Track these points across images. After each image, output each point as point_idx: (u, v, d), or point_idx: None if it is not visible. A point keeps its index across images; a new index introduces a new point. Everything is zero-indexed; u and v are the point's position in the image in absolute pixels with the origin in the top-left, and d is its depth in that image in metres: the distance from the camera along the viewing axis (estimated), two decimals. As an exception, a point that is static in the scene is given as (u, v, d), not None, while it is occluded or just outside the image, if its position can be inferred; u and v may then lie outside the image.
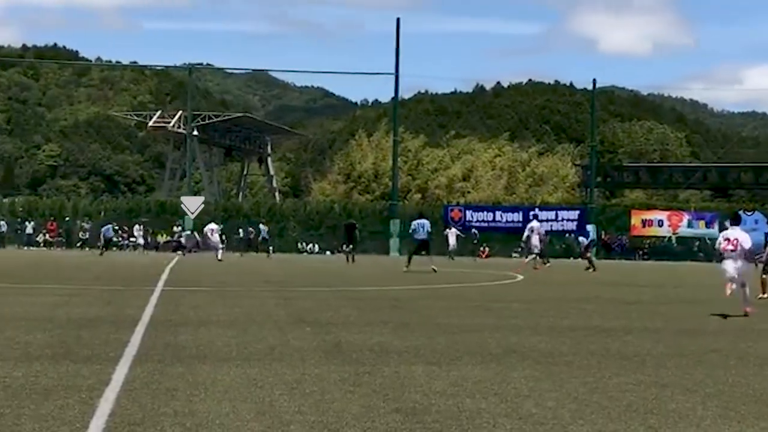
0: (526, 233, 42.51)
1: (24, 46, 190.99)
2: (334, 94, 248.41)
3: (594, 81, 74.20)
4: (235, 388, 7.80)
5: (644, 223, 69.48)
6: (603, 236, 69.44)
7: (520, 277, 31.40)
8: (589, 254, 42.21)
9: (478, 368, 9.22)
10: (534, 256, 40.59)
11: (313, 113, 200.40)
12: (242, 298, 18.35)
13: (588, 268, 38.38)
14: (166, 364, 8.99)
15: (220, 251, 44.75)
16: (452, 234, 54.95)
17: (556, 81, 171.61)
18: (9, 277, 24.93)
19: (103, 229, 55.07)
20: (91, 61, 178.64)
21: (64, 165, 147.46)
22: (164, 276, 26.51)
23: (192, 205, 70.29)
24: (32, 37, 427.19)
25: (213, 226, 47.54)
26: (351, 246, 45.16)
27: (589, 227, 41.47)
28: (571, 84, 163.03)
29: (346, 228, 47.23)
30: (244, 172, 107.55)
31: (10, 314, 13.72)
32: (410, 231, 35.53)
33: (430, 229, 34.79)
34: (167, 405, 6.98)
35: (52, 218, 71.40)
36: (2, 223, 70.65)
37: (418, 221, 34.22)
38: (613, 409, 7.24)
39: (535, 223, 44.55)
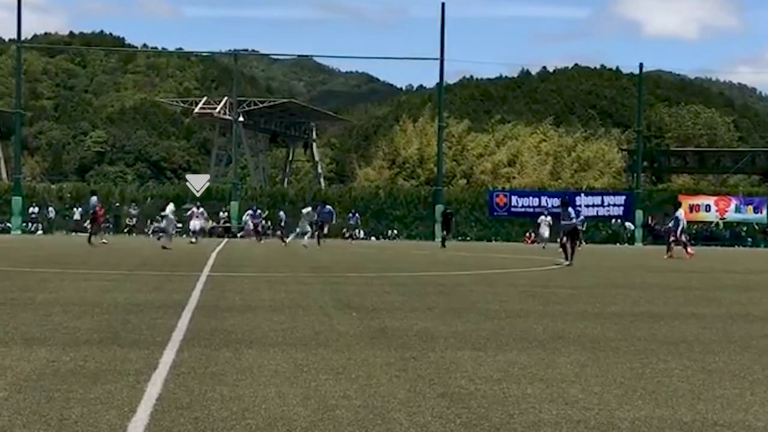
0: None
1: (71, 33, 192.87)
2: (378, 80, 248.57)
3: (641, 65, 73.60)
4: (281, 372, 7.84)
5: (691, 208, 68.83)
6: (649, 222, 68.94)
7: (566, 262, 31.22)
8: (682, 239, 38.68)
9: (523, 354, 9.19)
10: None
11: (357, 99, 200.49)
12: (288, 283, 18.42)
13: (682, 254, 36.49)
14: (213, 349, 9.05)
15: (171, 236, 41.70)
16: (545, 222, 52.00)
17: (602, 65, 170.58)
18: (57, 262, 25.21)
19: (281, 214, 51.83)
20: (137, 47, 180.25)
21: (110, 151, 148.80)
22: (210, 261, 26.68)
23: (197, 183, 70.67)
24: (79, 24, 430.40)
25: (172, 207, 45.53)
26: (446, 232, 48.89)
27: (679, 213, 38.99)
28: (617, 68, 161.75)
29: (444, 215, 50.10)
30: (290, 158, 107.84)
31: (58, 299, 13.88)
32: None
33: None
34: (214, 389, 7.03)
35: (99, 204, 72.02)
36: (51, 209, 71.47)
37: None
38: (659, 395, 7.19)
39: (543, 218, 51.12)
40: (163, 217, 46.65)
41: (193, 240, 45.16)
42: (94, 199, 41.91)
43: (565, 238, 28.82)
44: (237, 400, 6.69)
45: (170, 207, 43.24)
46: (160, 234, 47.95)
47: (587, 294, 17.15)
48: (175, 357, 8.48)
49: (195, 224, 46.19)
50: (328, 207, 46.61)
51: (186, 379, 7.43)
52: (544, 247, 47.28)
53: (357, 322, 11.60)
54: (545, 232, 51.16)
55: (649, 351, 9.58)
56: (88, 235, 40.08)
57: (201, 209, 47.84)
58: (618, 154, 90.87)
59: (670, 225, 39.70)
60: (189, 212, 48.26)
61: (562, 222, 29.44)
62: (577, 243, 29.99)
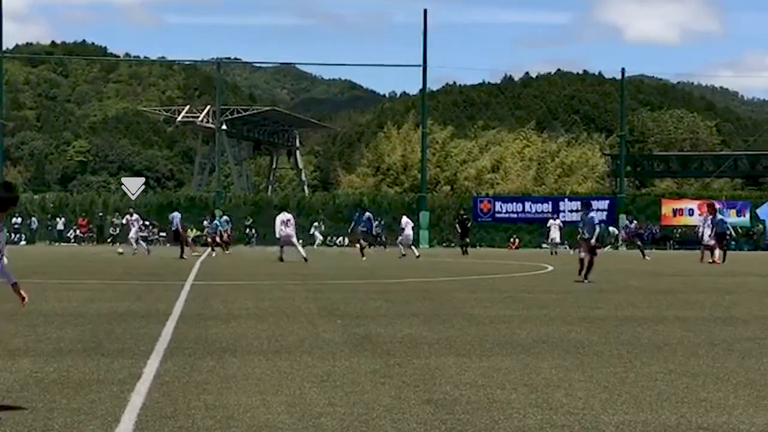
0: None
1: (53, 42, 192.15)
2: (361, 87, 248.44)
3: (623, 70, 73.75)
4: (265, 380, 7.83)
5: (675, 212, 69.04)
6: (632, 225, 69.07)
7: (550, 267, 31.31)
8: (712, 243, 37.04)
9: (508, 359, 9.20)
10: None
11: (340, 106, 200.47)
12: (272, 291, 18.40)
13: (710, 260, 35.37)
14: (197, 358, 9.03)
15: (134, 244, 42.07)
16: (555, 226, 50.60)
17: (584, 71, 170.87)
18: (41, 272, 25.12)
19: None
20: (119, 56, 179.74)
21: (93, 161, 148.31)
22: (194, 270, 26.62)
23: (132, 186, 70.33)
24: (61, 33, 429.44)
25: (136, 216, 44.60)
26: (467, 239, 47.15)
27: (723, 217, 37.77)
28: (599, 73, 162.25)
29: (460, 222, 48.09)
30: (273, 166, 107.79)
31: (42, 310, 13.83)
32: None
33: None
34: (198, 398, 7.02)
35: (82, 214, 71.80)
36: (33, 219, 71.19)
37: None
38: (644, 399, 7.22)
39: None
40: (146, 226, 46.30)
41: (135, 250, 41.83)
42: (176, 215, 40.98)
43: (583, 252, 22.64)
44: (221, 408, 6.68)
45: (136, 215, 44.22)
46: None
47: (571, 298, 17.18)
48: (159, 366, 8.46)
49: (133, 234, 43.35)
50: (368, 213, 43.10)
51: (170, 388, 7.41)
52: (554, 253, 46.77)
53: (342, 330, 11.60)
54: (556, 236, 50.12)
55: (633, 355, 9.61)
56: (180, 251, 37.82)
57: (135, 216, 45.15)
58: (601, 159, 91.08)
59: (709, 229, 37.23)
60: (125, 220, 46.15)
61: (582, 228, 23.32)
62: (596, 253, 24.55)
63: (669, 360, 9.30)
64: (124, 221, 45.25)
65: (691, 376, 8.30)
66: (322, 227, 66.97)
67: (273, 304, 15.21)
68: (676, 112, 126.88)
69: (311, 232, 65.54)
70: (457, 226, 48.46)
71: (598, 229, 22.81)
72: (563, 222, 51.41)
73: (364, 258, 36.18)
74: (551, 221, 51.98)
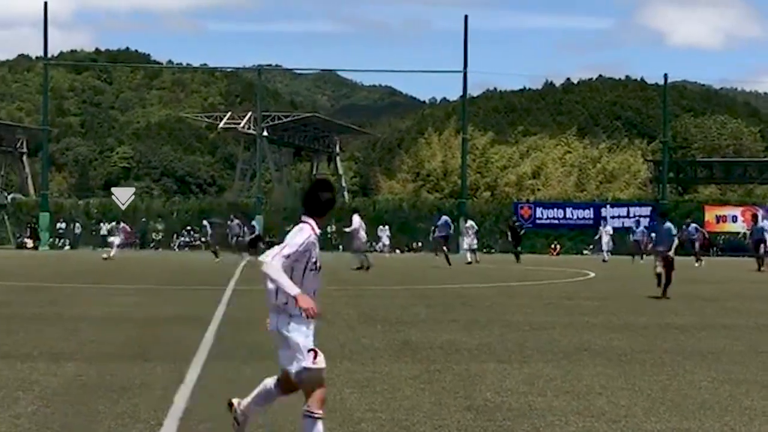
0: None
1: (97, 50, 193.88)
2: (402, 93, 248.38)
3: (665, 76, 73.21)
4: (306, 385, 7.83)
5: (718, 219, 68.32)
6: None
7: (592, 274, 31.13)
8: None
9: (549, 366, 9.16)
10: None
11: (381, 112, 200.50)
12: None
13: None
14: (239, 363, 9.07)
15: (113, 250, 42.76)
16: (606, 232, 49.40)
17: (626, 76, 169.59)
18: (85, 277, 25.34)
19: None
20: (162, 63, 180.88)
21: (136, 167, 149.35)
22: (236, 276, 26.73)
23: (123, 196, 70.51)
24: (105, 41, 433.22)
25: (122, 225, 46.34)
26: (519, 247, 45.13)
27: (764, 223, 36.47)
28: (641, 79, 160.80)
29: (511, 229, 46.75)
30: (313, 172, 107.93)
31: (85, 314, 13.95)
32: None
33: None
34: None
35: (126, 219, 72.36)
36: (77, 224, 71.83)
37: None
38: (687, 407, 7.16)
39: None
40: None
41: (111, 255, 41.77)
42: (257, 220, 40.93)
43: (660, 265, 19.99)
44: (263, 413, 6.70)
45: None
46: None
47: (613, 305, 17.07)
48: (201, 371, 8.51)
49: (115, 240, 44.39)
50: (445, 217, 40.43)
51: (212, 392, 7.45)
52: (605, 261, 45.20)
53: (381, 335, 11.60)
54: (608, 243, 48.28)
55: (676, 363, 9.53)
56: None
57: (122, 225, 46.48)
58: (643, 165, 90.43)
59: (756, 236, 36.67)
60: (111, 228, 46.80)
61: (655, 239, 21.30)
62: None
63: (712, 368, 9.21)
64: (111, 228, 45.44)
65: (734, 384, 8.22)
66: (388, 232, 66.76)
67: (314, 310, 15.22)
68: (720, 118, 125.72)
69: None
70: (508, 233, 46.89)
71: (676, 241, 20.81)
72: (613, 228, 49.95)
73: (450, 264, 34.26)
74: (602, 228, 50.93)
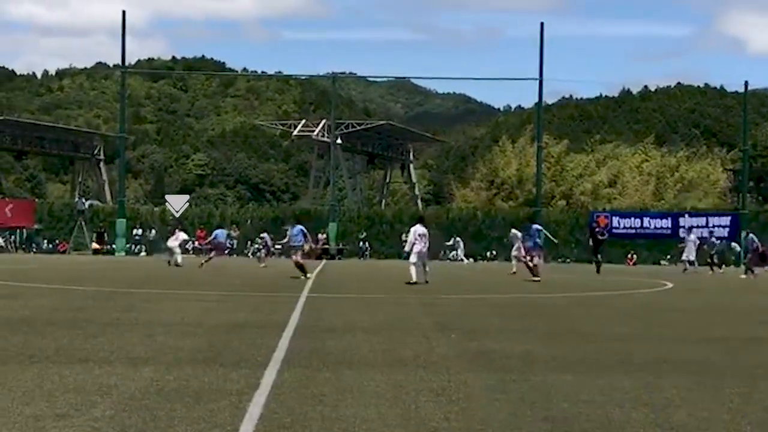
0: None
1: (173, 58, 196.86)
2: (476, 101, 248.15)
3: (746, 83, 72.12)
4: (381, 393, 7.82)
5: (800, 229, 66.99)
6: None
7: (670, 285, 30.71)
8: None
9: (626, 377, 9.02)
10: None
11: (455, 120, 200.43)
12: (386, 304, 18.43)
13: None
14: (314, 369, 9.08)
15: (177, 256, 43.01)
16: (692, 241, 46.24)
17: (705, 84, 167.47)
18: (159, 283, 25.66)
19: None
20: (237, 71, 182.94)
21: (211, 174, 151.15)
22: (309, 283, 26.85)
23: (177, 203, 70.80)
24: (180, 49, 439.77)
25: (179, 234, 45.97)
26: (599, 255, 42.68)
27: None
28: (721, 87, 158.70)
29: (592, 235, 44.33)
30: (387, 180, 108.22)
31: (161, 320, 14.10)
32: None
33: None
34: (315, 409, 7.05)
35: (201, 226, 73.19)
36: (153, 231, 72.87)
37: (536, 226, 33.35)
38: (769, 421, 6.99)
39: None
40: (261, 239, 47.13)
41: (171, 262, 43.03)
42: (297, 228, 40.31)
43: None
44: (338, 420, 6.69)
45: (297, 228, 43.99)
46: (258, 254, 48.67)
47: (692, 317, 16.80)
48: (276, 377, 8.53)
49: (173, 244, 44.69)
50: (536, 226, 36.15)
51: (287, 399, 7.46)
52: (685, 270, 43.67)
53: (456, 344, 11.54)
54: (692, 253, 45.35)
55: (758, 376, 9.33)
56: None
57: (178, 235, 46.61)
58: (723, 174, 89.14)
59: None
60: (174, 235, 46.90)
61: None
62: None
63: (795, 381, 9.00)
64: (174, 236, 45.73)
65: (819, 399, 8.01)
66: (462, 244, 66.80)
67: (387, 318, 15.23)
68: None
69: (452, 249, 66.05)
70: (589, 240, 44.39)
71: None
72: (698, 238, 48.03)
73: (538, 278, 30.74)
74: (686, 236, 48.93)
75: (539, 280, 29.99)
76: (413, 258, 25.96)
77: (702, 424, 6.83)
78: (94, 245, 70.08)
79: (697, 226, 63.47)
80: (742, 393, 8.22)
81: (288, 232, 31.65)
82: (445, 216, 76.03)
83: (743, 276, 39.09)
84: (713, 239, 46.01)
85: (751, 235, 44.38)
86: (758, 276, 38.87)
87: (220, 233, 43.59)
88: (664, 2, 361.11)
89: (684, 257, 45.60)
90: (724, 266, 45.05)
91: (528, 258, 32.93)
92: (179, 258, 42.72)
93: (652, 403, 7.63)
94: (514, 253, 38.19)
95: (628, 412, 7.22)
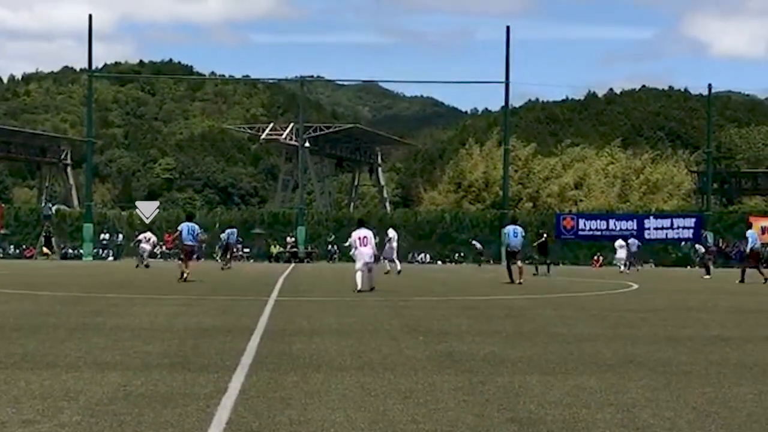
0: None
1: (140, 62, 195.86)
2: (443, 104, 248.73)
3: (709, 86, 72.74)
4: (349, 396, 7.84)
5: (763, 230, 67.64)
6: (720, 244, 67.96)
7: (635, 285, 30.92)
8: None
9: (593, 378, 9.09)
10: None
11: (422, 123, 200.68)
12: (355, 307, 18.45)
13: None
14: (281, 373, 9.09)
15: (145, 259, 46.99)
16: (621, 246, 51.32)
17: (669, 86, 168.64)
18: (127, 288, 25.55)
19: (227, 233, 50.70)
20: (205, 75, 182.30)
21: (179, 178, 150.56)
22: (278, 286, 26.82)
23: (147, 209, 70.87)
24: (148, 53, 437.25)
25: (148, 234, 50.43)
26: (545, 258, 42.61)
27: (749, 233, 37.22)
28: (685, 89, 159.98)
29: (540, 240, 43.34)
30: (355, 183, 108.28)
31: (129, 324, 14.06)
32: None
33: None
34: (283, 413, 7.06)
35: (169, 230, 72.84)
36: (120, 235, 72.48)
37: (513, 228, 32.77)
38: (733, 420, 7.07)
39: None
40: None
41: (145, 264, 46.51)
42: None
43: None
44: (305, 424, 6.71)
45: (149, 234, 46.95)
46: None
47: (657, 317, 16.93)
48: (244, 381, 8.53)
49: (144, 248, 48.16)
50: (511, 227, 33.80)
51: (255, 403, 7.47)
52: (621, 272, 46.93)
53: (424, 346, 11.58)
54: (627, 256, 50.64)
55: (722, 375, 9.43)
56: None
57: (148, 235, 50.76)
58: (687, 176, 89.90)
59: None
60: (138, 240, 50.31)
61: None
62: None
63: (759, 381, 9.10)
64: (142, 239, 48.66)
65: (782, 398, 8.11)
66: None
67: (356, 321, 15.25)
68: (765, 129, 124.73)
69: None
70: (536, 244, 43.60)
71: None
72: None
73: (521, 281, 30.14)
74: (621, 241, 52.11)
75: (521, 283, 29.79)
76: (358, 264, 24.81)
77: (667, 424, 6.90)
78: (44, 249, 69.67)
79: (662, 228, 64.05)
80: (707, 393, 8.30)
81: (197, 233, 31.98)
82: (414, 218, 76.14)
83: (706, 276, 39.65)
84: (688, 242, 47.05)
85: (706, 234, 45.46)
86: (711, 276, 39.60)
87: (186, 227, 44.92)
88: (629, 6, 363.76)
89: (620, 258, 50.28)
90: (689, 267, 45.76)
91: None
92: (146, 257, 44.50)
93: (618, 403, 7.70)
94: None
95: (594, 413, 7.28)
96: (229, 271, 40.94)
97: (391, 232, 41.22)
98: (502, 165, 73.08)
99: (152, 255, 69.92)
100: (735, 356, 11.09)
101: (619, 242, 52.28)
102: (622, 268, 49.00)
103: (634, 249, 53.38)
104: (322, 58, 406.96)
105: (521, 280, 30.02)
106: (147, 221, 67.45)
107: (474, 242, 65.42)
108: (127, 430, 6.44)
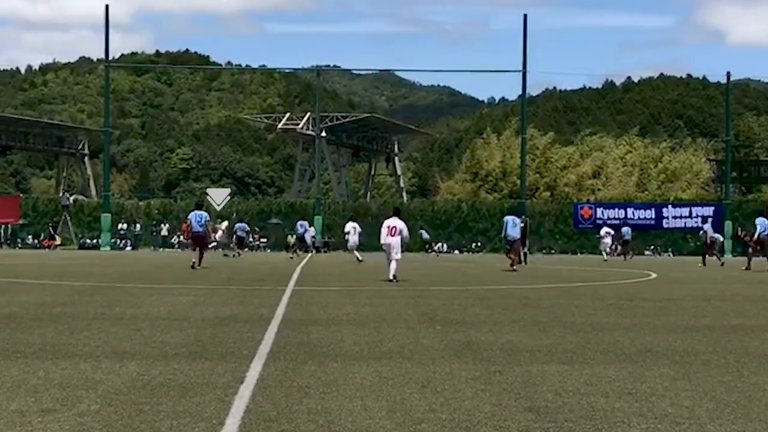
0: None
1: (157, 52, 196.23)
2: (460, 93, 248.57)
3: (728, 74, 72.31)
4: (366, 385, 7.84)
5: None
6: (739, 233, 67.66)
7: (654, 275, 30.83)
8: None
9: (611, 367, 9.07)
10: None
11: (439, 112, 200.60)
12: (371, 296, 18.45)
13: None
14: (299, 362, 9.10)
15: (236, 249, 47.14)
16: (608, 234, 54.27)
17: (688, 75, 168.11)
18: (145, 278, 25.61)
19: (236, 227, 53.32)
20: (221, 65, 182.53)
21: (196, 168, 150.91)
22: (295, 276, 26.85)
23: (218, 197, 70.66)
24: (165, 43, 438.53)
25: (242, 224, 50.80)
26: (526, 248, 41.26)
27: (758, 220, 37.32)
28: (703, 77, 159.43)
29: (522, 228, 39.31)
30: (372, 173, 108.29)
31: (147, 314, 14.10)
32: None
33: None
34: (300, 402, 7.06)
35: (186, 220, 73.01)
36: (138, 225, 72.69)
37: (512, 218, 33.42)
38: (752, 409, 7.04)
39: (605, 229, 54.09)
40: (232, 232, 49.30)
41: (228, 254, 47.07)
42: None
43: None
44: (323, 413, 6.71)
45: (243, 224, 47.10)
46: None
47: (676, 307, 16.88)
48: (262, 370, 8.54)
49: (221, 238, 48.35)
50: (509, 217, 34.90)
51: (273, 392, 7.48)
52: (605, 260, 48.25)
53: (441, 336, 11.57)
54: (607, 247, 53.23)
55: (741, 364, 9.39)
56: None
57: (224, 223, 51.46)
58: (706, 165, 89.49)
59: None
60: (222, 228, 50.51)
61: None
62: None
63: (778, 370, 9.06)
64: (238, 231, 49.16)
65: (801, 387, 8.07)
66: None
67: (373, 310, 15.25)
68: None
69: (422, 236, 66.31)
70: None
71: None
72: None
73: (515, 268, 31.85)
74: (605, 230, 54.73)
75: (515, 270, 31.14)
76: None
77: (686, 413, 6.88)
78: (49, 240, 69.83)
79: (680, 217, 63.85)
80: (725, 382, 8.27)
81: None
82: (430, 208, 76.10)
83: (699, 266, 39.87)
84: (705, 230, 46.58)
85: (706, 225, 45.64)
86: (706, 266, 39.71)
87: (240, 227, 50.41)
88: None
89: (606, 245, 52.86)
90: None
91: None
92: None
93: (636, 392, 7.68)
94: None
95: (612, 402, 7.26)
96: (245, 261, 41.01)
97: (349, 226, 41.89)
98: (519, 154, 72.88)
99: (169, 245, 70.31)
100: (754, 345, 11.04)
101: (605, 230, 54.35)
102: (605, 256, 50.72)
103: (627, 237, 55.21)
104: (338, 48, 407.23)
105: (516, 267, 32.06)
106: (218, 208, 67.47)
107: (422, 231, 66.00)
108: (145, 419, 6.45)
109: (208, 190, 77.49)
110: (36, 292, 19.13)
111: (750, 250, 37.12)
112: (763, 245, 35.68)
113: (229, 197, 72.31)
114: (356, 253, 39.67)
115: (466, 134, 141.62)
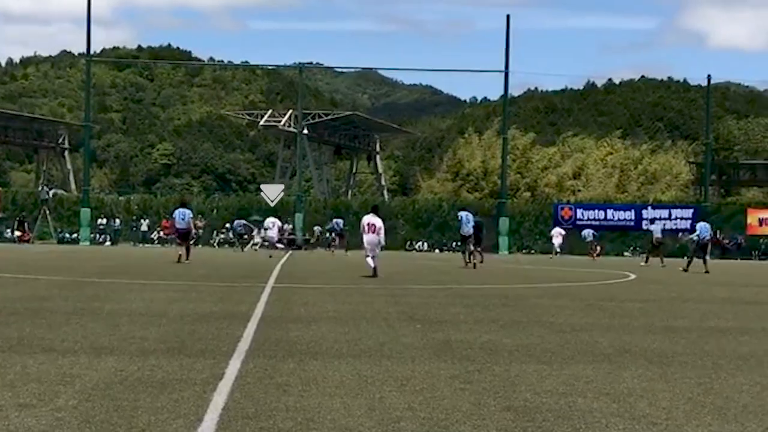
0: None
1: (139, 47, 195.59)
2: (442, 92, 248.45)
3: (708, 77, 72.56)
4: (345, 383, 7.85)
5: (761, 221, 67.77)
6: (717, 236, 67.98)
7: (633, 276, 30.95)
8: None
9: (589, 367, 9.11)
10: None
11: (421, 111, 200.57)
12: (352, 294, 18.45)
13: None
14: (278, 360, 9.10)
15: (277, 246, 46.00)
16: (558, 234, 57.46)
17: (669, 77, 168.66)
18: (124, 273, 25.53)
19: (235, 224, 53.56)
20: (203, 61, 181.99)
21: (177, 164, 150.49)
22: (275, 273, 26.82)
23: (272, 192, 70.34)
24: (146, 38, 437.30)
25: (273, 219, 46.99)
26: (474, 247, 37.56)
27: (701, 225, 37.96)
28: (684, 80, 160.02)
29: (476, 227, 37.79)
30: (353, 170, 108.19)
31: (126, 310, 14.05)
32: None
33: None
34: (279, 400, 7.06)
35: (166, 216, 72.76)
36: (118, 221, 72.39)
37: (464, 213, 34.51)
38: (728, 410, 7.09)
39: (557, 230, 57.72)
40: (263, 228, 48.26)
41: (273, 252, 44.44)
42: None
43: None
44: (302, 410, 6.71)
45: (275, 219, 47.00)
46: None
47: (654, 308, 16.95)
48: (241, 367, 8.54)
49: (271, 236, 45.67)
50: (463, 213, 36.13)
51: (251, 389, 7.48)
52: (551, 258, 51.49)
53: (421, 334, 11.59)
54: (558, 243, 56.44)
55: (718, 366, 9.45)
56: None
57: (272, 219, 47.47)
58: (686, 167, 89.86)
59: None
60: (271, 225, 47.90)
61: None
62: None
63: (755, 371, 9.12)
64: (269, 225, 46.60)
65: (778, 389, 8.12)
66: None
67: (353, 308, 15.26)
68: (763, 120, 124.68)
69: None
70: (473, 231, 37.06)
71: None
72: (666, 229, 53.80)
73: (469, 264, 33.43)
74: (556, 229, 58.49)
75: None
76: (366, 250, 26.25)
77: (663, 413, 6.92)
78: (17, 233, 69.30)
79: (660, 218, 64.00)
80: (703, 383, 8.32)
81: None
82: (412, 207, 76.10)
83: (642, 264, 42.00)
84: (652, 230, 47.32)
85: (653, 226, 47.77)
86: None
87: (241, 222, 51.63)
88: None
89: (556, 244, 56.28)
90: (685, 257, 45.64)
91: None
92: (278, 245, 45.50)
93: (614, 393, 7.71)
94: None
95: (590, 402, 7.30)
96: (226, 258, 40.98)
97: (268, 221, 44.56)
98: (500, 154, 72.98)
99: (149, 240, 70.09)
100: (731, 347, 11.11)
101: (556, 230, 57.99)
102: (553, 255, 53.96)
103: (590, 239, 56.64)
104: (321, 45, 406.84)
105: (475, 262, 33.52)
106: (272, 204, 67.00)
107: (316, 228, 67.39)
108: (123, 414, 6.44)
109: (262, 186, 76.45)
110: (14, 286, 19.05)
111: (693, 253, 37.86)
112: (705, 249, 37.07)
113: (282, 193, 71.91)
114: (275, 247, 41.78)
115: (447, 133, 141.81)
